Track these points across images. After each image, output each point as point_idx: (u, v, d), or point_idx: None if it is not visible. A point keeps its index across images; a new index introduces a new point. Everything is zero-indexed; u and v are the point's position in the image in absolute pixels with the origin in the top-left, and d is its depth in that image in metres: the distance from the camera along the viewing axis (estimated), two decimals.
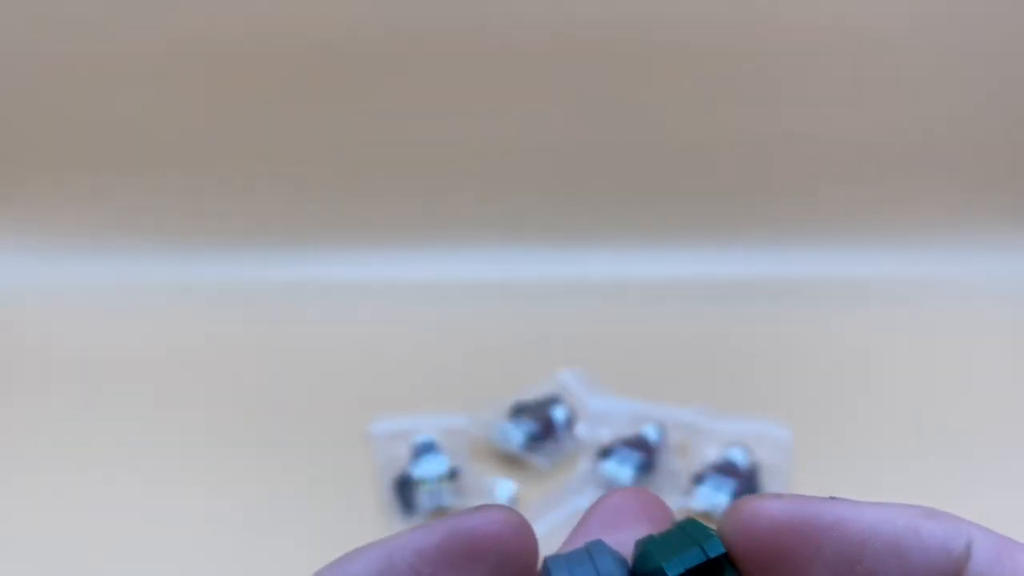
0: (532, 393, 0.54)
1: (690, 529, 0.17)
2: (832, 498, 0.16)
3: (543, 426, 0.51)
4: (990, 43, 0.66)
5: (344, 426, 0.52)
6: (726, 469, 0.48)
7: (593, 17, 0.64)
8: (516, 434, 0.50)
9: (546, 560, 0.18)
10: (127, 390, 0.57)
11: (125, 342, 0.62)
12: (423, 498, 0.46)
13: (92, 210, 0.69)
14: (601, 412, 0.53)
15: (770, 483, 0.48)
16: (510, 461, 0.50)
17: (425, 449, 0.49)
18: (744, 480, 0.47)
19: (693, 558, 0.16)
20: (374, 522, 0.46)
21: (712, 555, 0.16)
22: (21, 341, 0.62)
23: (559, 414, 0.51)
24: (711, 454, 0.49)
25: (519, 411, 0.52)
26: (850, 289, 0.68)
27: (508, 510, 0.17)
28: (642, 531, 0.18)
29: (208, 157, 0.68)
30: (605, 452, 0.49)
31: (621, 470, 0.48)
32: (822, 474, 0.49)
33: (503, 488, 0.48)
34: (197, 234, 0.69)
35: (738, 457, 0.48)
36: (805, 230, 0.70)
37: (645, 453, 0.49)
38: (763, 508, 0.16)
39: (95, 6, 0.63)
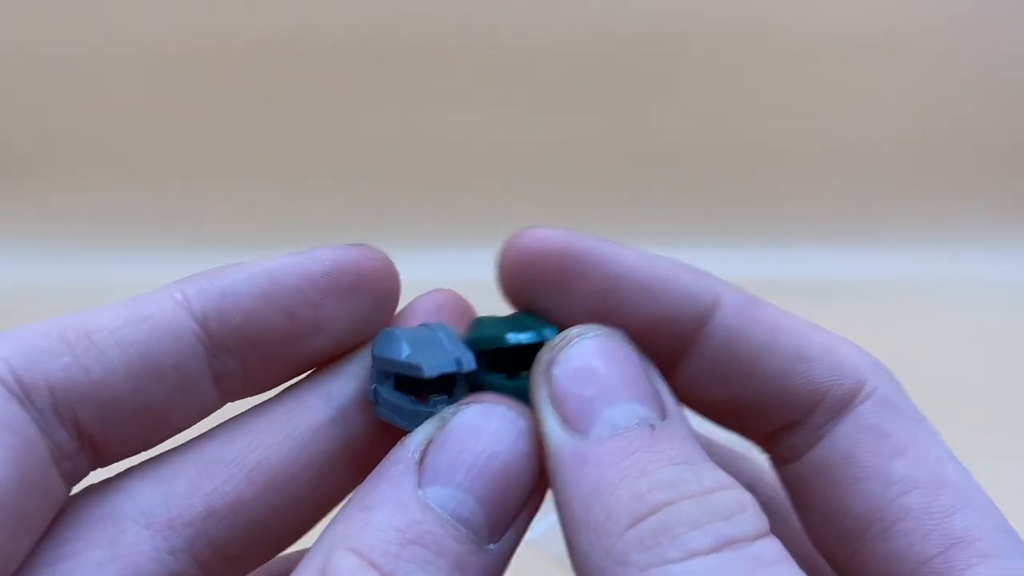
0: None
1: (525, 317, 0.18)
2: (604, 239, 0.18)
3: None
4: (989, 43, 0.66)
5: None
6: None
7: (592, 19, 0.64)
8: None
9: (383, 330, 0.18)
10: None
11: None
12: None
13: (92, 210, 0.69)
14: None
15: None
16: None
17: None
18: None
19: (531, 336, 0.17)
20: None
21: (549, 337, 0.17)
22: None
23: None
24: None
25: None
26: (850, 289, 0.68)
27: (381, 251, 0.18)
28: (461, 323, 0.19)
29: (209, 157, 0.68)
30: None
31: None
32: None
33: None
34: (197, 234, 0.69)
35: None
36: (805, 230, 0.70)
37: None
38: (540, 232, 0.17)
39: (96, 7, 0.63)
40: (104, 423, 0.16)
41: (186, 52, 0.65)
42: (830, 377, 0.17)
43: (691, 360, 0.18)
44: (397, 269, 0.18)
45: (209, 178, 0.69)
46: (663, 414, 0.16)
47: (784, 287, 0.70)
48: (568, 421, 0.16)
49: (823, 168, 0.69)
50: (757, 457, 0.20)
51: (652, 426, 0.15)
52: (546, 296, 0.18)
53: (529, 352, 0.18)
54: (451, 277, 0.75)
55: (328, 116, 0.67)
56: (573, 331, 0.16)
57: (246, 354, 0.17)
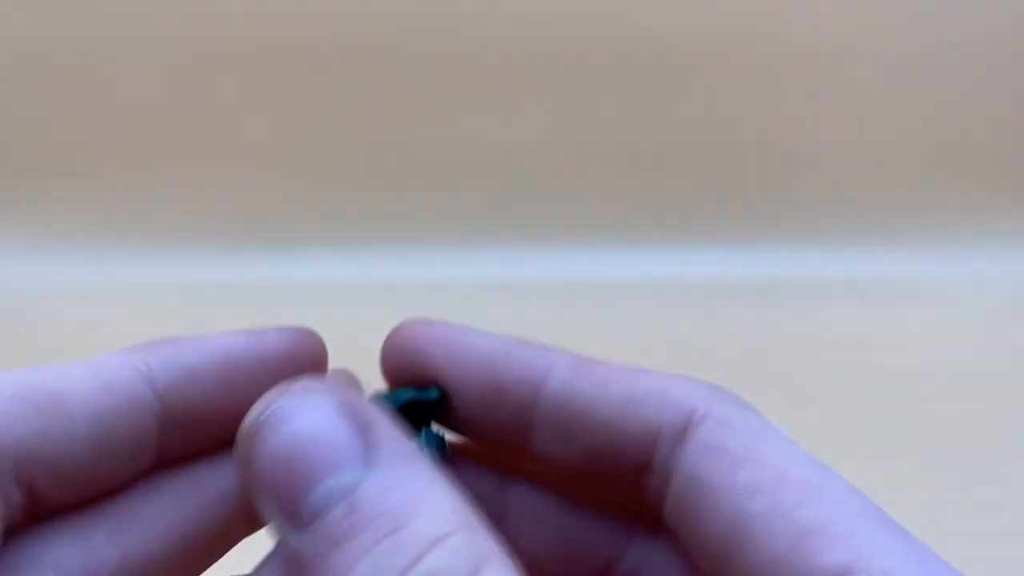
0: None
1: (407, 388, 0.20)
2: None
3: None
4: (991, 43, 0.66)
5: None
6: None
7: (591, 18, 0.64)
8: None
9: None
10: None
11: (123, 343, 0.62)
12: None
13: (92, 210, 0.69)
14: None
15: None
16: None
17: None
18: None
19: (417, 394, 0.20)
20: None
21: (433, 396, 0.20)
22: (20, 342, 0.62)
23: None
24: None
25: None
26: (850, 289, 0.68)
27: (317, 334, 0.20)
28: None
29: (208, 157, 0.68)
30: None
31: None
32: None
33: None
34: (197, 234, 0.69)
35: None
36: (804, 230, 0.70)
37: None
38: (404, 326, 0.20)
39: (96, 7, 0.63)
40: (56, 485, 0.17)
41: (186, 53, 0.65)
42: (660, 412, 0.18)
43: (536, 423, 0.19)
44: (328, 352, 0.21)
45: (209, 178, 0.69)
46: (372, 461, 0.15)
47: (784, 287, 0.70)
48: (283, 513, 0.15)
49: (822, 168, 0.69)
50: None
51: (352, 495, 0.14)
52: (411, 372, 0.20)
53: (415, 411, 0.20)
54: (453, 276, 0.75)
55: (329, 116, 0.67)
56: (271, 396, 0.16)
57: (191, 429, 0.19)
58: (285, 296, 0.66)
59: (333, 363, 0.21)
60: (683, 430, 0.18)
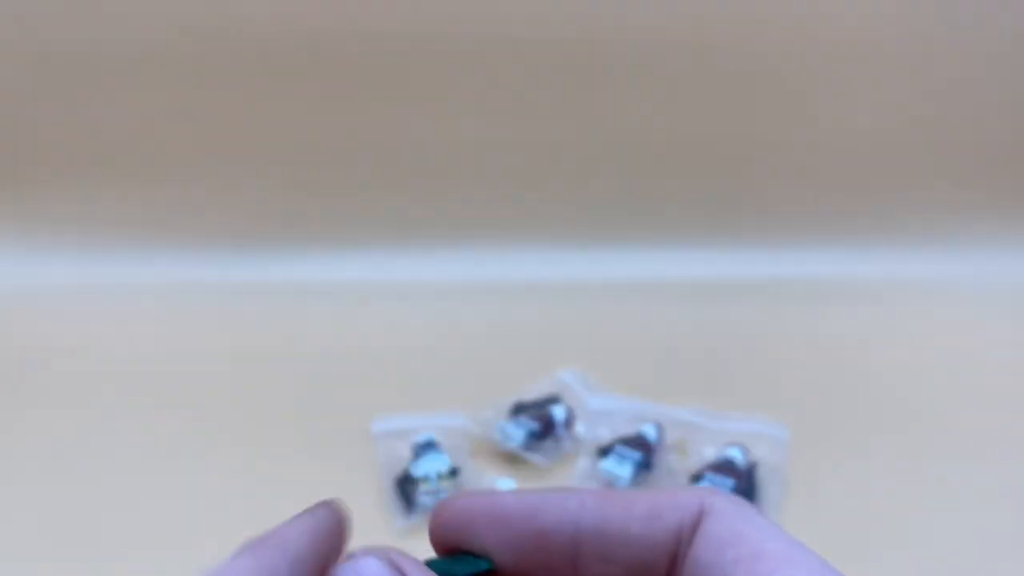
0: (532, 393, 0.54)
1: (459, 557, 0.23)
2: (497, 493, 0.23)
3: (543, 425, 0.51)
4: (991, 43, 0.66)
5: (345, 425, 0.52)
6: (724, 468, 0.48)
7: (592, 18, 0.65)
8: (516, 433, 0.51)
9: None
10: (126, 391, 0.57)
11: (124, 342, 0.63)
12: (423, 497, 0.47)
13: (92, 210, 0.69)
14: (600, 411, 0.53)
15: (767, 481, 0.48)
16: (510, 460, 0.51)
17: (426, 448, 0.49)
18: (742, 478, 0.47)
19: (472, 566, 0.22)
20: (375, 521, 0.46)
21: (484, 567, 0.22)
22: (20, 341, 0.63)
23: (559, 413, 0.52)
24: (710, 453, 0.49)
25: (519, 410, 0.52)
26: (849, 289, 0.68)
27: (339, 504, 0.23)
28: None
29: (208, 157, 0.68)
30: (604, 451, 0.49)
31: (620, 468, 0.48)
32: (819, 473, 0.50)
33: (503, 486, 0.48)
34: (197, 234, 0.69)
35: (736, 456, 0.48)
36: (804, 230, 0.70)
37: (644, 452, 0.49)
38: (455, 500, 0.23)
39: (96, 7, 0.63)
40: None
41: (186, 53, 0.65)
42: (679, 516, 0.22)
43: (582, 553, 0.22)
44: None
45: (210, 179, 0.69)
46: None
47: (783, 287, 0.70)
48: None
49: (822, 169, 0.69)
50: None
51: None
52: (461, 542, 0.23)
53: None
54: (452, 276, 0.75)
55: (329, 117, 0.67)
56: (344, 562, 0.20)
57: None
58: (285, 296, 0.67)
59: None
60: (695, 526, 0.22)
